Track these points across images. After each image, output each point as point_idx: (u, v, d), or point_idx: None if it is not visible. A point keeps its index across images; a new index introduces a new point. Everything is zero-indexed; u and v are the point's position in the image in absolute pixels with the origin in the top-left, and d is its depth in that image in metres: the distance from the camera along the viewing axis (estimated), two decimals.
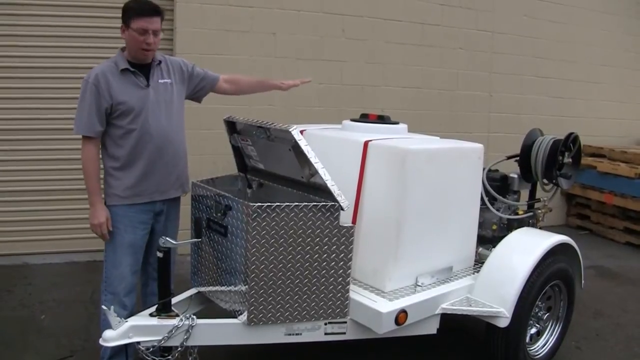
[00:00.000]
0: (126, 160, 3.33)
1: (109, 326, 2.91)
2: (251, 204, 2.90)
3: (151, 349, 2.94)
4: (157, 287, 3.42)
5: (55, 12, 5.75)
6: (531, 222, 4.42)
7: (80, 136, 3.28)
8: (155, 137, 3.34)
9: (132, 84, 3.30)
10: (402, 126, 3.94)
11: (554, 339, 4.08)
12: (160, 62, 3.46)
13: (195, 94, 3.76)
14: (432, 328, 3.47)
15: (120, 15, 3.31)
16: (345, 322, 3.23)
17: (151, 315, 3.07)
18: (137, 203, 3.37)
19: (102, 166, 3.40)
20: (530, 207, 4.48)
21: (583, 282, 4.20)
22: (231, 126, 3.73)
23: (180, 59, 3.67)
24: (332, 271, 3.09)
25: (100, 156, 3.38)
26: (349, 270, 3.14)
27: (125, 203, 3.34)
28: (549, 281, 3.78)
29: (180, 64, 3.62)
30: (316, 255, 3.04)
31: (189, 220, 3.58)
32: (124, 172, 3.34)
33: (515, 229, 4.13)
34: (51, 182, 5.76)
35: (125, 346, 2.98)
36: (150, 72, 3.38)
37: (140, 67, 3.35)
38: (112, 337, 2.86)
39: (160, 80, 3.42)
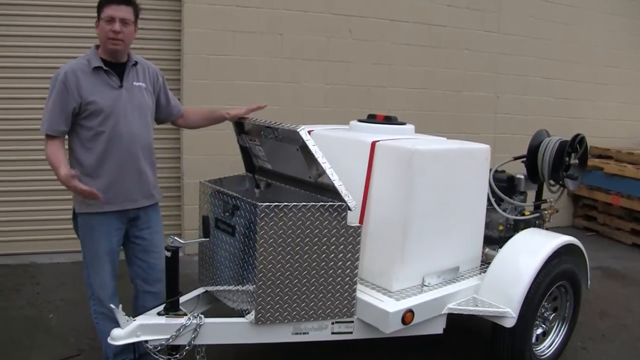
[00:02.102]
0: (95, 166, 3.19)
1: (106, 333, 2.95)
2: (259, 203, 2.91)
3: (159, 348, 2.96)
4: (149, 299, 3.43)
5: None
6: (538, 223, 4.42)
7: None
8: (125, 141, 3.21)
9: (104, 83, 3.17)
10: (409, 127, 3.95)
11: (560, 340, 4.08)
12: (136, 63, 3.33)
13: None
14: (438, 328, 3.48)
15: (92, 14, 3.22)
16: (352, 322, 3.24)
17: (159, 314, 3.08)
18: (107, 211, 3.25)
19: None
20: (537, 208, 4.49)
21: (589, 282, 4.20)
22: (239, 126, 3.74)
23: (158, 70, 3.53)
24: (339, 271, 3.10)
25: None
26: (356, 270, 3.15)
27: (95, 211, 3.22)
28: (555, 282, 3.79)
29: (156, 73, 3.49)
30: (323, 255, 3.05)
31: (197, 220, 3.60)
32: (92, 178, 3.18)
33: (522, 229, 4.13)
34: (58, 182, 5.75)
35: (133, 345, 2.99)
36: (124, 73, 3.26)
37: (115, 67, 3.22)
38: (120, 336, 2.89)
39: (135, 83, 3.29)
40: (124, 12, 3.15)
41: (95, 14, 3.20)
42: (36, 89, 5.61)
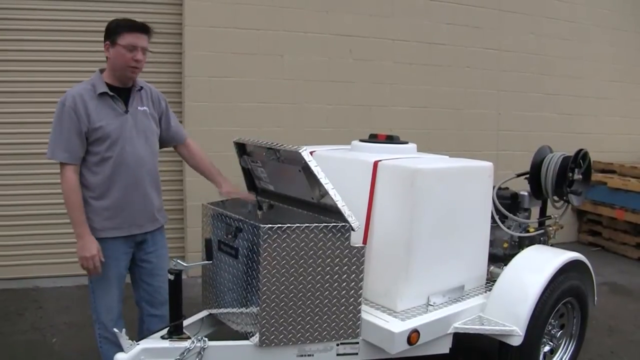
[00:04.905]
0: (101, 190, 3.20)
1: (110, 358, 2.92)
2: (262, 225, 2.90)
3: None
4: (155, 323, 3.43)
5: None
6: (542, 239, 4.40)
7: (58, 162, 3.15)
8: (132, 166, 3.23)
9: (110, 108, 3.18)
10: (411, 146, 3.94)
11: (568, 357, 4.04)
12: (141, 88, 3.34)
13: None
14: (444, 347, 3.45)
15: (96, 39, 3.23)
16: (358, 343, 3.21)
17: (163, 337, 3.06)
18: (115, 236, 3.27)
19: None
20: (541, 224, 4.47)
21: (596, 298, 4.17)
22: (241, 148, 3.75)
23: (161, 94, 3.53)
24: (344, 292, 3.08)
25: None
26: (361, 291, 3.13)
27: (103, 236, 3.22)
28: (561, 299, 3.76)
29: (159, 97, 3.49)
30: (327, 276, 3.04)
31: (200, 243, 3.59)
32: (99, 202, 3.21)
33: (527, 246, 4.11)
34: (61, 206, 5.74)
35: None
36: (129, 98, 3.27)
37: (120, 92, 3.23)
38: None
39: (139, 108, 3.30)
40: (145, 40, 3.19)
41: (101, 38, 3.21)
42: (38, 113, 5.67)
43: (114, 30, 3.15)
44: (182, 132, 3.69)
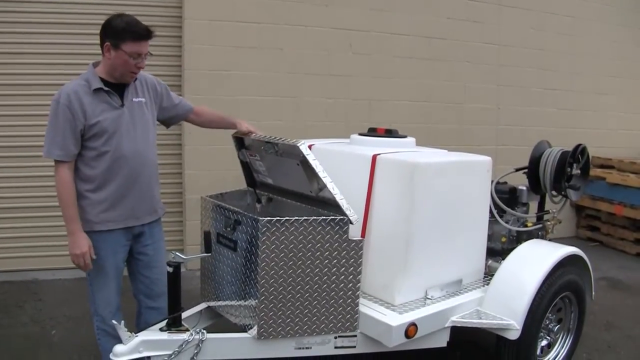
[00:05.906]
0: (100, 182, 3.19)
1: (108, 351, 2.93)
2: (260, 218, 2.91)
3: None
4: (152, 315, 3.44)
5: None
6: (540, 234, 4.40)
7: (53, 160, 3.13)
8: (130, 159, 3.21)
9: (106, 103, 3.15)
10: (410, 140, 3.95)
11: (565, 351, 4.06)
12: (135, 79, 3.31)
13: (165, 121, 3.63)
14: (442, 341, 3.46)
15: (94, 31, 3.19)
16: (355, 336, 3.22)
17: (161, 329, 3.07)
18: (112, 229, 3.26)
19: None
20: (540, 219, 4.47)
21: (594, 293, 4.18)
22: (240, 141, 3.75)
23: (155, 78, 3.51)
24: (342, 285, 3.09)
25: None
26: (359, 284, 3.14)
27: (100, 229, 3.22)
28: (559, 293, 3.77)
29: (155, 83, 3.47)
30: (325, 269, 3.05)
31: (199, 235, 3.59)
32: (96, 194, 3.20)
33: (525, 241, 4.12)
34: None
35: None
36: (124, 91, 3.24)
37: (115, 86, 3.20)
38: (122, 352, 2.87)
39: (134, 99, 3.28)
40: (148, 45, 3.18)
41: (97, 30, 3.20)
42: (36, 105, 5.65)
43: (119, 35, 3.08)
44: (188, 104, 3.69)
